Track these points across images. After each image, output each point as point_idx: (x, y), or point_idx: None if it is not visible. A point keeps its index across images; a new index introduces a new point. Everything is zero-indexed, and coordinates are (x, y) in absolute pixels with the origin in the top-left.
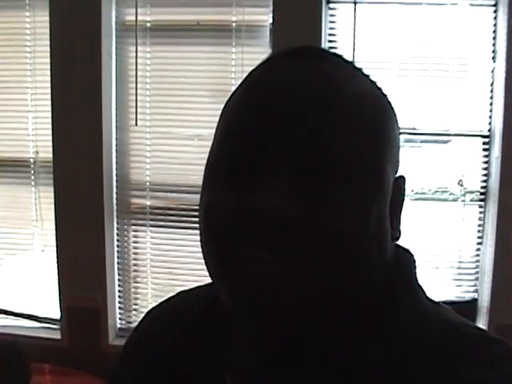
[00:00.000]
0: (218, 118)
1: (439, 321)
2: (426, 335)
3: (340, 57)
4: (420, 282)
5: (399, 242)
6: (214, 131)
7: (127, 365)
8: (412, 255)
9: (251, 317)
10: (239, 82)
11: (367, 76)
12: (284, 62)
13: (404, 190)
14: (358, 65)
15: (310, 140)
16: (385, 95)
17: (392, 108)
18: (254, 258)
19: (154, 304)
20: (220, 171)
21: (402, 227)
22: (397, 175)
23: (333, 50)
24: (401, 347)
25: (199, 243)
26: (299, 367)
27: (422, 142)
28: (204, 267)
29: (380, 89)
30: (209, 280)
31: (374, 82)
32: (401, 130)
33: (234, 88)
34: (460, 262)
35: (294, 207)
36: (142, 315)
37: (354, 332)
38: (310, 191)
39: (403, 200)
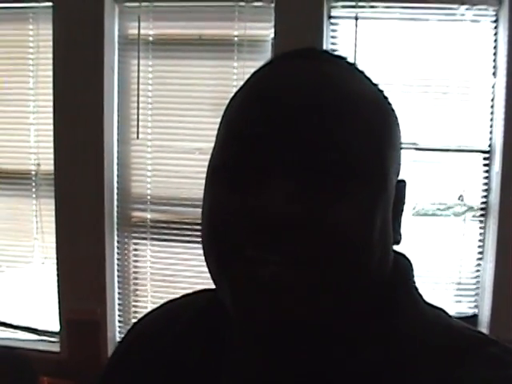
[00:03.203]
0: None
1: (438, 323)
2: (426, 337)
3: (343, 58)
4: (417, 285)
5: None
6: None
7: (117, 372)
8: (409, 259)
9: (253, 317)
10: None
11: (370, 78)
12: (287, 63)
13: (405, 194)
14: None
15: (314, 141)
16: (386, 97)
17: (394, 110)
18: (257, 259)
19: None
20: (223, 173)
21: (403, 239)
22: (398, 179)
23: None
24: (400, 349)
25: (201, 250)
26: (299, 368)
27: (422, 157)
28: (204, 281)
29: (382, 91)
30: None
31: (376, 85)
32: (402, 146)
33: None
34: (460, 277)
35: (298, 208)
36: None
37: (353, 333)
38: (313, 192)
39: (404, 204)
